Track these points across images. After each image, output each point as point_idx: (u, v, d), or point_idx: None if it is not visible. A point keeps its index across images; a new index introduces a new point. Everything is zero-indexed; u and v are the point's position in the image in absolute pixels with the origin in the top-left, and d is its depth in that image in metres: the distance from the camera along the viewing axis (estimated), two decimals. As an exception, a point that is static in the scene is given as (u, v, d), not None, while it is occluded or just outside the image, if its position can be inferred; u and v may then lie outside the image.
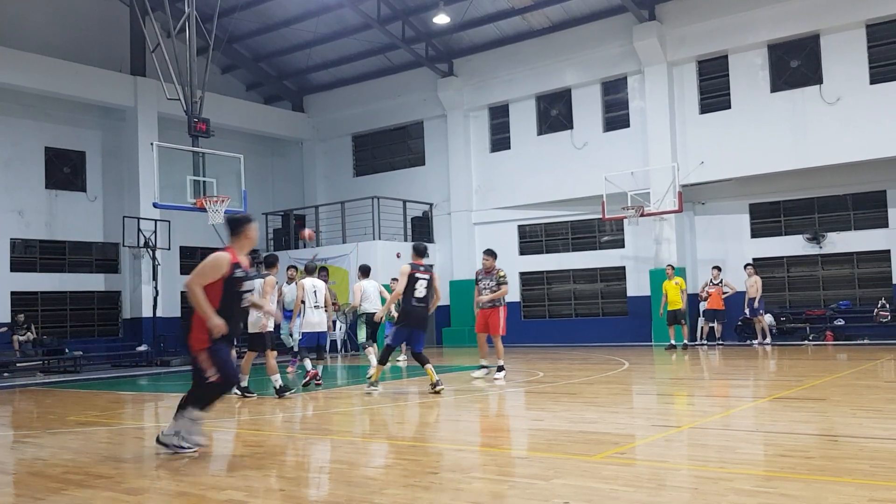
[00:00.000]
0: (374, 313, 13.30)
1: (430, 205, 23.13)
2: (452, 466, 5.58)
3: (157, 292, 19.63)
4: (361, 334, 13.96)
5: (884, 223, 17.19)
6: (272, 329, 10.57)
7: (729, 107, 18.46)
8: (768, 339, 17.08)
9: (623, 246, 20.31)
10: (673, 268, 17.54)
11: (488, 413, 8.73)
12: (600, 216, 19.24)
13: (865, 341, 16.42)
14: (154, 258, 19.77)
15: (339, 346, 20.68)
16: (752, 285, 17.10)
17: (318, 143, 25.55)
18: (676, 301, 16.88)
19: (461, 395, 10.00)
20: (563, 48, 20.54)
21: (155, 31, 15.40)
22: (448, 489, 4.81)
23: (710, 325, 17.82)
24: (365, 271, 14.12)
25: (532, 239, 21.90)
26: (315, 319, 11.30)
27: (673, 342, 17.00)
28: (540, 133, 21.41)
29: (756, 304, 17.04)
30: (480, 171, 22.37)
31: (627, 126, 19.91)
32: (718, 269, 17.88)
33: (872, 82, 16.72)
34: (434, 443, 6.75)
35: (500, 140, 22.20)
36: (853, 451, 5.60)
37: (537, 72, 21.05)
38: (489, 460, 5.79)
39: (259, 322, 10.29)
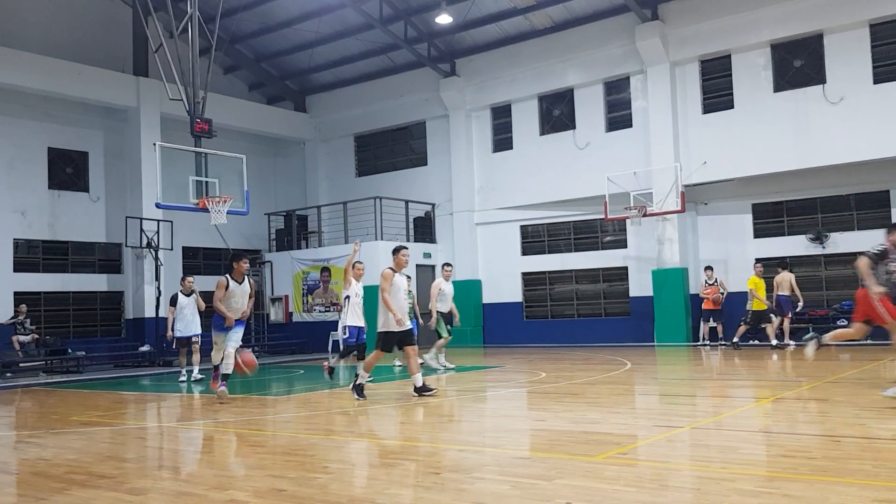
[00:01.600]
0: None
1: (433, 205, 23.13)
2: (454, 467, 5.58)
3: (159, 292, 19.64)
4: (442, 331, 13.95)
5: (887, 223, 16.98)
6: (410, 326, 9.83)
7: (732, 106, 18.44)
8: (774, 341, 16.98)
9: (625, 246, 20.30)
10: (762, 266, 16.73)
11: (490, 413, 8.72)
12: (603, 216, 19.22)
13: (868, 342, 16.34)
14: (157, 258, 19.79)
15: (341, 347, 20.66)
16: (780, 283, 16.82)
17: (320, 143, 25.56)
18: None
19: (463, 395, 10.00)
20: (565, 48, 20.53)
21: (157, 31, 15.41)
22: (450, 489, 4.81)
23: (710, 325, 17.77)
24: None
25: (534, 239, 21.90)
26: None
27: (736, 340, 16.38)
28: (542, 133, 21.41)
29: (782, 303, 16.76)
30: (483, 172, 22.37)
31: (630, 126, 19.90)
32: (710, 268, 17.89)
33: (876, 82, 16.68)
34: (436, 443, 6.75)
35: (502, 140, 22.20)
36: (856, 451, 5.58)
37: (540, 72, 21.04)
38: (491, 460, 5.78)
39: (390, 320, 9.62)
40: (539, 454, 6.05)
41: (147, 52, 19.93)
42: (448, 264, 14.72)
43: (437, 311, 13.92)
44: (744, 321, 16.44)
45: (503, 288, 22.03)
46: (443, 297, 13.90)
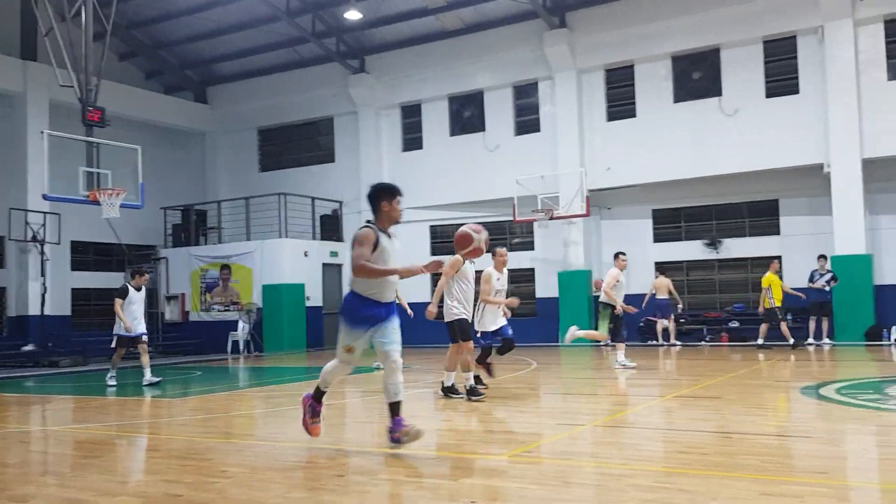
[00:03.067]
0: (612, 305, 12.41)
1: (340, 203, 22.84)
2: (359, 469, 5.47)
3: (45, 289, 18.58)
4: (603, 327, 12.75)
5: (776, 230, 18.08)
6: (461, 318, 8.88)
7: (634, 115, 19.03)
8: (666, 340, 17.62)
9: (533, 248, 20.62)
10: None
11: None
12: (511, 218, 19.46)
13: (758, 342, 17.15)
14: (42, 253, 18.71)
15: (241, 347, 20.13)
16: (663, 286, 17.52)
17: (221, 135, 24.83)
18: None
19: (369, 396, 9.87)
20: (475, 50, 20.69)
21: (48, 13, 14.57)
22: (354, 492, 4.70)
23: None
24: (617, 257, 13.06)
25: (443, 240, 21.94)
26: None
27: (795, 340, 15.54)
28: (452, 134, 21.50)
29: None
30: (392, 170, 22.24)
31: (538, 130, 20.23)
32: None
33: (768, 96, 17.58)
34: (340, 445, 6.61)
35: (412, 139, 22.16)
36: (746, 447, 5.79)
37: (450, 73, 21.12)
38: (397, 461, 5.70)
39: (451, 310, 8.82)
40: (445, 454, 6.01)
41: (36, 35, 18.79)
42: (623, 253, 13.39)
43: (602, 303, 12.85)
44: (765, 320, 15.88)
45: (412, 288, 21.94)
46: (619, 288, 12.77)
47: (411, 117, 22.19)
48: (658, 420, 7.57)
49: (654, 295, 17.55)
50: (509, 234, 21.05)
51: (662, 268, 18.35)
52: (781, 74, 17.56)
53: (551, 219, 18.84)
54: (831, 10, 16.60)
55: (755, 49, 17.72)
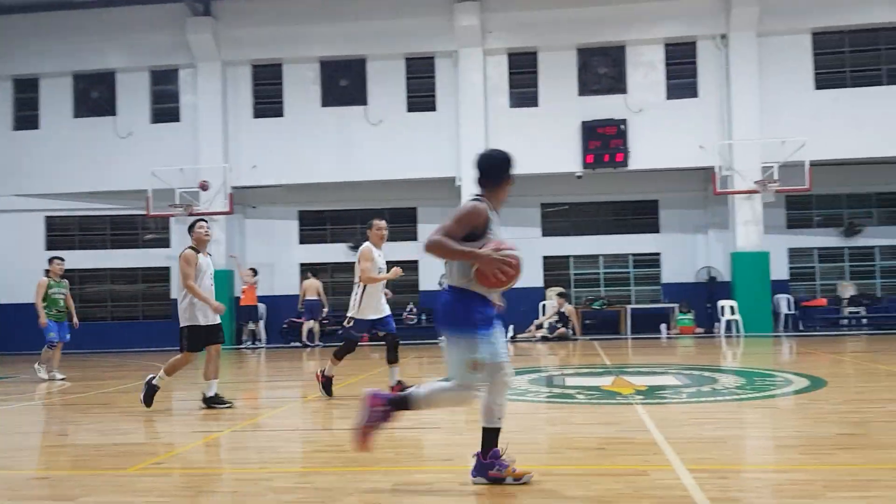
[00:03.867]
0: None
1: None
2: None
3: None
4: None
5: (414, 236, 19.38)
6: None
7: (282, 114, 18.99)
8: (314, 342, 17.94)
9: (169, 245, 19.44)
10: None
11: (-5, 432, 7.41)
12: (144, 212, 18.17)
13: (399, 341, 18.24)
14: None
15: None
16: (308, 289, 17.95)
17: None
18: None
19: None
20: (107, 27, 18.96)
21: None
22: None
23: (249, 325, 18.13)
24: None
25: (63, 233, 19.66)
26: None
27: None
28: (77, 115, 19.43)
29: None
30: (1, 151, 19.37)
31: (178, 120, 19.17)
32: (254, 270, 18.29)
33: (409, 110, 18.79)
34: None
35: (26, 117, 19.62)
36: (382, 441, 5.94)
37: (77, 48, 19.04)
38: (-8, 486, 4.83)
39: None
40: (60, 472, 5.26)
41: None
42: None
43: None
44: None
45: (21, 286, 19.25)
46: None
47: (26, 92, 19.55)
48: (298, 421, 7.56)
49: (304, 296, 17.88)
50: (142, 230, 19.64)
51: (314, 269, 18.60)
52: (421, 91, 18.92)
53: (190, 215, 17.97)
54: (464, 38, 18.30)
55: (398, 64, 18.83)
